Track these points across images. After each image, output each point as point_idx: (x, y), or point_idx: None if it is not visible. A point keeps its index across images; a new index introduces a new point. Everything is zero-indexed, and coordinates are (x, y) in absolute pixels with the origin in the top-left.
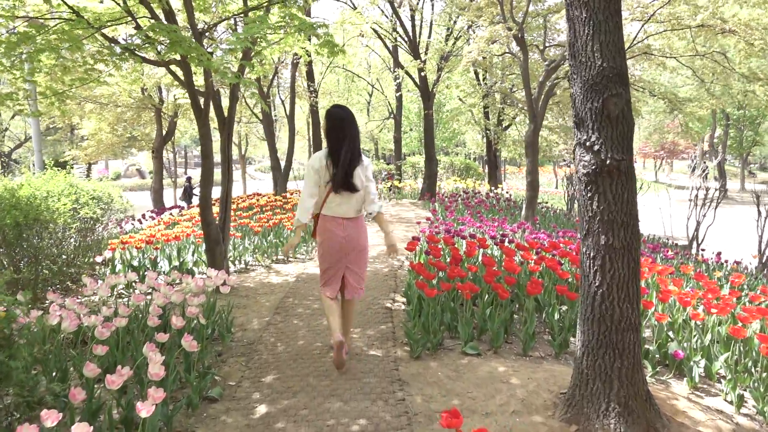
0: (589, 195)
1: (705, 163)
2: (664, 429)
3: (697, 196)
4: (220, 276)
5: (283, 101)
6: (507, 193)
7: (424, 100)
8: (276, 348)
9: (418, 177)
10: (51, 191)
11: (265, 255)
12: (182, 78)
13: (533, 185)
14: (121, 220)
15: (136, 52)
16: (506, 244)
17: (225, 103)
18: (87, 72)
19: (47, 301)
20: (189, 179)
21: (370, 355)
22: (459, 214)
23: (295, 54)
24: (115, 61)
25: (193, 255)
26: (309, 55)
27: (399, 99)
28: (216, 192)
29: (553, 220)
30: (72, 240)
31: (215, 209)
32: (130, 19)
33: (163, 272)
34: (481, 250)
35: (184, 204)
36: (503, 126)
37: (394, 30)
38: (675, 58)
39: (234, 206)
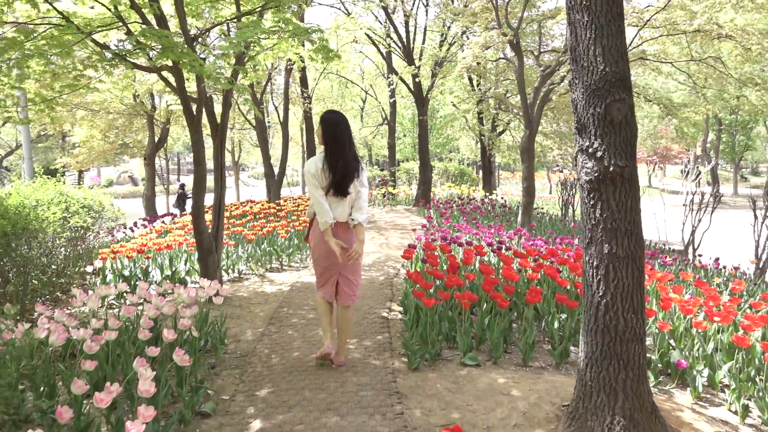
0: (591, 203)
1: (698, 168)
2: None
3: (692, 201)
4: (213, 286)
5: (276, 107)
6: (502, 198)
7: (418, 106)
8: (270, 360)
9: (412, 183)
10: (40, 200)
11: (259, 263)
12: (174, 84)
13: (529, 191)
14: (112, 228)
15: (128, 57)
16: (503, 251)
17: (218, 109)
18: (77, 78)
19: (36, 313)
20: (182, 186)
21: (367, 366)
22: (454, 221)
23: (289, 60)
24: (106, 67)
25: (185, 264)
26: (303, 61)
27: (393, 105)
28: (209, 199)
29: (550, 226)
30: (62, 249)
31: (208, 217)
32: (121, 24)
33: (155, 282)
34: (478, 257)
35: (176, 211)
36: (498, 131)
37: (388, 36)
38: (671, 63)
39: (227, 214)
